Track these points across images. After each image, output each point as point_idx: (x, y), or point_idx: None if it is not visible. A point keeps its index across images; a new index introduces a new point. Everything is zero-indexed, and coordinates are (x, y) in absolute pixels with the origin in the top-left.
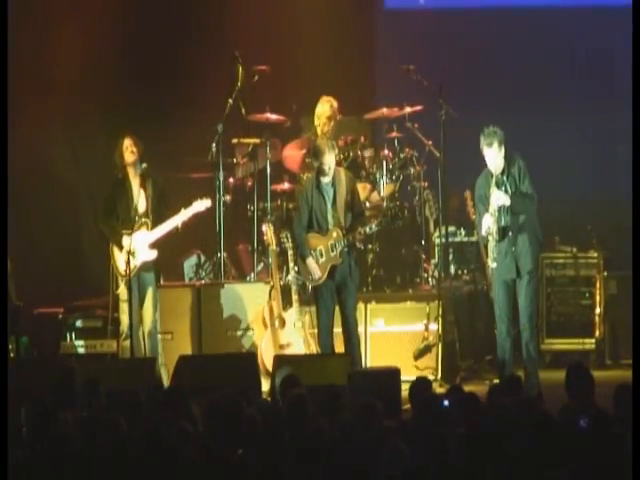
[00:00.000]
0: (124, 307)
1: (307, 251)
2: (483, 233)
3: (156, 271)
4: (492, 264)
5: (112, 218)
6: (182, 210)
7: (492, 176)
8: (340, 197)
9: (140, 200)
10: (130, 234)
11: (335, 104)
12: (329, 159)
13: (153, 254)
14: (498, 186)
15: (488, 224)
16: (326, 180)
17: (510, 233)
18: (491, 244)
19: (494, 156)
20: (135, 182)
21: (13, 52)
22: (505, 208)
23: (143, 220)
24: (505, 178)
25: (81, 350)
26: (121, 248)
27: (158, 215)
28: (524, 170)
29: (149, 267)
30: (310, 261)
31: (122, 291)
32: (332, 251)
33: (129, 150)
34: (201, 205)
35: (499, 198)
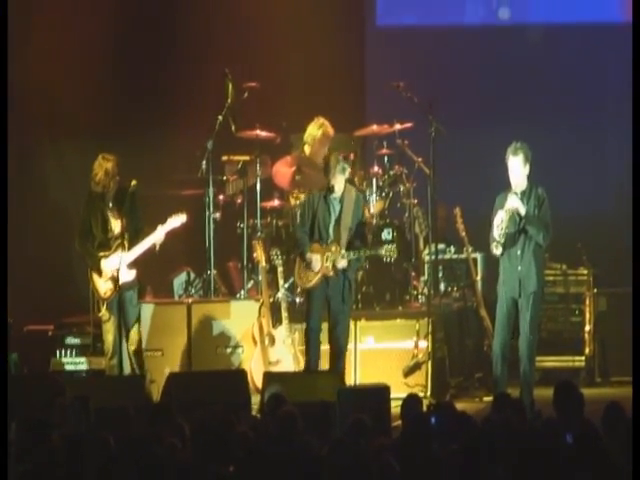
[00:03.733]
0: (107, 327)
1: (307, 248)
2: (494, 233)
3: (139, 289)
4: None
5: (88, 241)
6: (158, 227)
7: (512, 192)
8: (345, 215)
9: (115, 220)
10: (107, 256)
11: (331, 130)
12: (334, 180)
13: (132, 274)
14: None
15: (501, 217)
16: (335, 195)
17: (519, 252)
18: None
19: (518, 167)
20: (109, 201)
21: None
22: (518, 216)
23: (119, 241)
24: (525, 201)
25: (71, 367)
26: (100, 272)
27: (133, 228)
28: (546, 204)
29: (130, 286)
30: (310, 255)
31: (104, 313)
32: (326, 262)
33: (113, 178)
34: (176, 221)
35: (514, 202)
